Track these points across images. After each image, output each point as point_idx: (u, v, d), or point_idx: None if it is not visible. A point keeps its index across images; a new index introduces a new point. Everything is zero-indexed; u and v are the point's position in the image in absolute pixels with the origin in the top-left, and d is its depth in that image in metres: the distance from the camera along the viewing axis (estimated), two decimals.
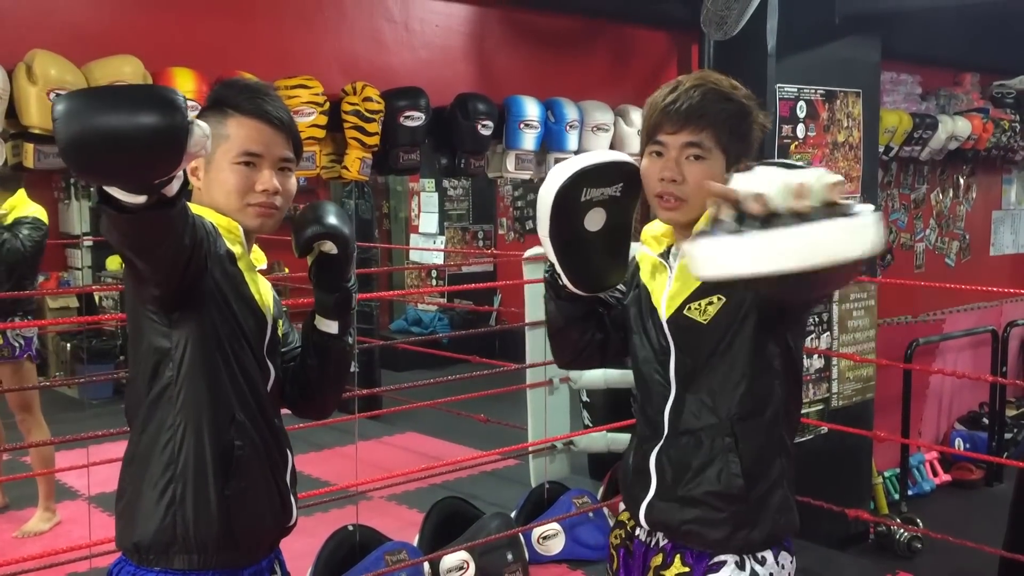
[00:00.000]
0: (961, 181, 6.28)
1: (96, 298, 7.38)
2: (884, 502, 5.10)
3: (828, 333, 4.62)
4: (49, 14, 2.85)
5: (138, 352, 1.60)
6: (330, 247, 1.73)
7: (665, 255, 1.72)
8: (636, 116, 4.02)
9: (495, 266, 8.64)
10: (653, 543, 1.72)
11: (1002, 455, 5.00)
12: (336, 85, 3.24)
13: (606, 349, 1.79)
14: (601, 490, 4.46)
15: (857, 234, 1.19)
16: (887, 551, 4.54)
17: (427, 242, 9.11)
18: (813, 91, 4.46)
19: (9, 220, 4.00)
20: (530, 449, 4.53)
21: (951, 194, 6.21)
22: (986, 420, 5.46)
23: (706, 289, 1.62)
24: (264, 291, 1.75)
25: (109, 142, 1.26)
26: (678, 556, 1.67)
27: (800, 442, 4.57)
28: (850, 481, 4.78)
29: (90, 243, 7.23)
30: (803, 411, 4.61)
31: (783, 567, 1.67)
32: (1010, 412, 5.67)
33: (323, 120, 3.14)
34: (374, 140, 3.25)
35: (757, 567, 1.63)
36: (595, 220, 1.64)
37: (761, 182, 1.21)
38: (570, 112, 3.78)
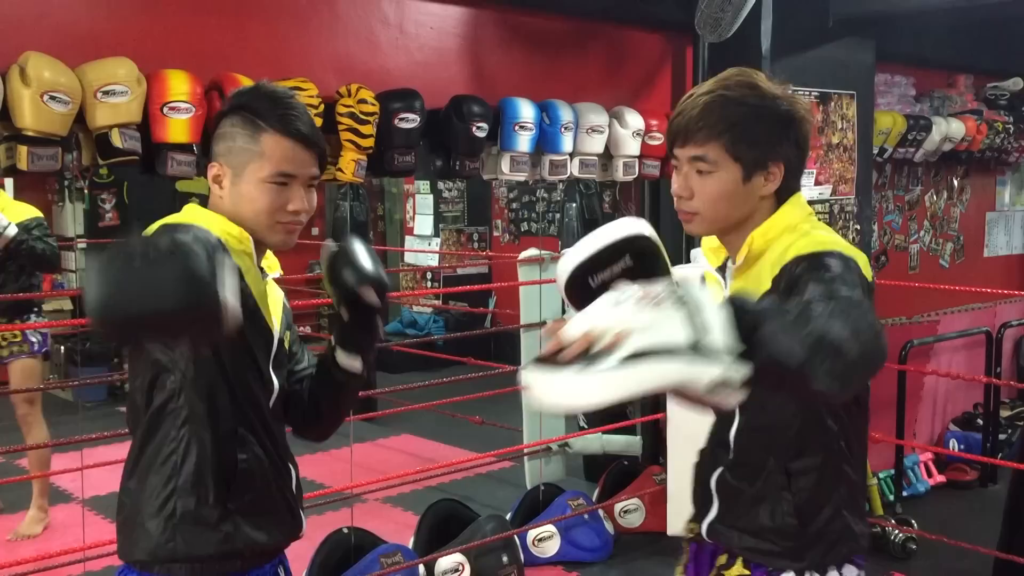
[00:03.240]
0: (955, 183, 6.29)
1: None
2: (879, 503, 5.10)
3: None
4: (43, 16, 2.85)
5: (137, 364, 1.58)
6: (373, 298, 1.63)
7: (721, 269, 1.69)
8: (631, 118, 4.02)
9: (490, 268, 8.64)
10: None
11: (996, 456, 5.00)
12: (330, 87, 3.24)
13: None
14: (596, 492, 4.46)
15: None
16: (882, 552, 4.53)
17: (422, 244, 9.10)
18: (808, 93, 4.46)
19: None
20: (525, 451, 4.53)
21: (945, 196, 6.22)
22: (980, 421, 5.47)
23: None
24: (273, 302, 1.72)
25: (146, 330, 1.29)
26: (740, 559, 1.67)
27: None
28: None
29: (84, 245, 7.21)
30: None
31: None
32: (1004, 413, 5.68)
33: (318, 122, 3.12)
34: (369, 142, 3.25)
35: None
36: None
37: (585, 324, 1.15)
38: (565, 114, 3.78)
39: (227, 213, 1.62)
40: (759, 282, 1.53)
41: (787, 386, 1.23)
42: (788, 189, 1.61)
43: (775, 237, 1.57)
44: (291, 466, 1.72)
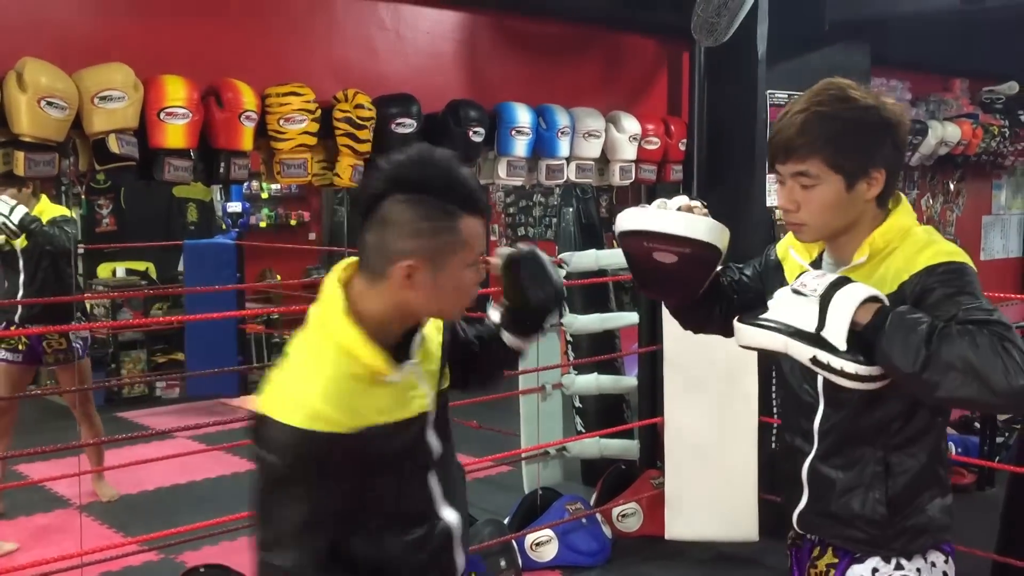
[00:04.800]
0: (951, 186, 6.30)
1: (88, 306, 7.36)
2: None
3: None
4: (39, 22, 2.85)
5: None
6: (556, 319, 1.71)
7: (817, 264, 1.76)
8: (627, 122, 4.03)
9: (487, 272, 8.63)
10: (810, 536, 1.82)
11: (994, 459, 5.01)
12: (327, 92, 3.24)
13: (730, 315, 1.80)
14: (594, 496, 4.46)
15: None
16: None
17: None
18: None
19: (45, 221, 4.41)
20: (523, 455, 4.53)
21: (942, 199, 6.24)
22: (978, 424, 5.47)
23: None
24: (421, 389, 1.56)
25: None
26: (830, 548, 1.77)
27: None
28: None
29: (82, 251, 7.21)
30: None
31: (934, 565, 1.70)
32: (1002, 416, 5.69)
33: (314, 127, 3.14)
34: (366, 147, 3.25)
35: (904, 561, 1.69)
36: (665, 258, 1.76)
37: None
38: (561, 118, 3.79)
39: (412, 306, 1.47)
40: (882, 283, 1.62)
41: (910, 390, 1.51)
42: (890, 191, 1.69)
43: (894, 238, 1.66)
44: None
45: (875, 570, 1.70)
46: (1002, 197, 6.77)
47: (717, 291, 1.88)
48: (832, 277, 1.53)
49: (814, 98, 1.66)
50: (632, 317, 4.67)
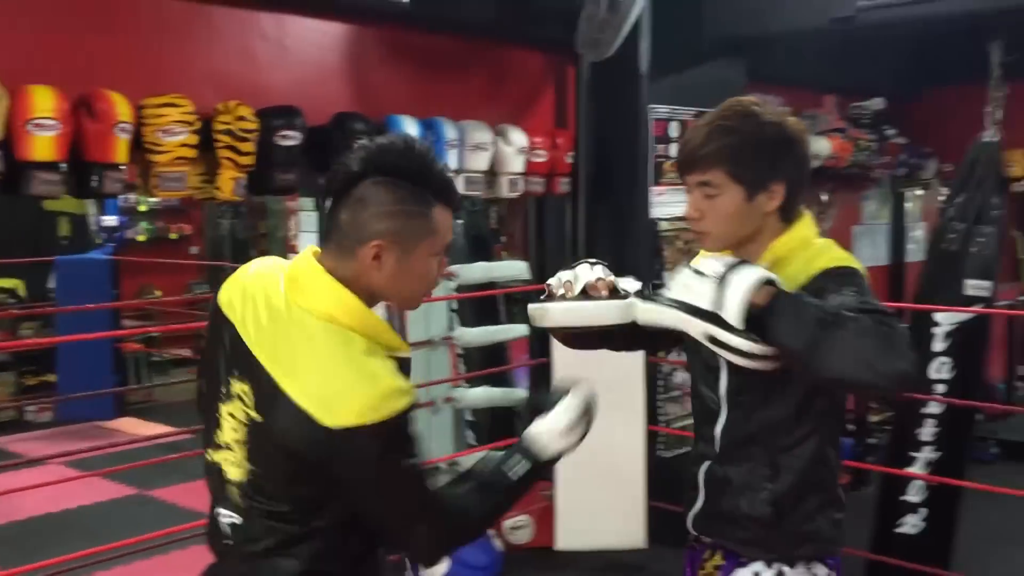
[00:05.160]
0: (823, 198, 6.56)
1: None
2: None
3: None
4: None
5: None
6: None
7: None
8: (515, 135, 4.05)
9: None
10: (704, 539, 1.87)
11: (866, 460, 5.22)
12: (207, 103, 3.15)
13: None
14: None
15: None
16: None
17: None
18: (685, 111, 4.59)
19: None
20: None
21: (815, 210, 6.48)
22: (851, 426, 5.70)
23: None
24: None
25: None
26: (720, 551, 1.82)
27: (678, 454, 4.67)
28: None
29: None
30: (680, 424, 4.73)
31: None
32: (873, 418, 5.94)
33: (194, 139, 3.06)
34: (248, 160, 3.18)
35: (786, 568, 1.73)
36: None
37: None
38: (449, 132, 3.79)
39: (375, 287, 1.50)
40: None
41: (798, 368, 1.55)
42: (791, 204, 1.76)
43: (795, 247, 1.74)
44: None
45: (756, 574, 1.75)
46: (871, 208, 7.08)
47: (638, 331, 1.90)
48: (731, 260, 1.57)
49: (719, 113, 1.75)
50: (522, 329, 4.68)
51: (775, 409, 1.71)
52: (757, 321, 1.51)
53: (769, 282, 1.53)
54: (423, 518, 1.49)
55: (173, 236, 9.15)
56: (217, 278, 6.95)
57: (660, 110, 4.46)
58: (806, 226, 1.79)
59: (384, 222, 1.46)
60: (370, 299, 1.51)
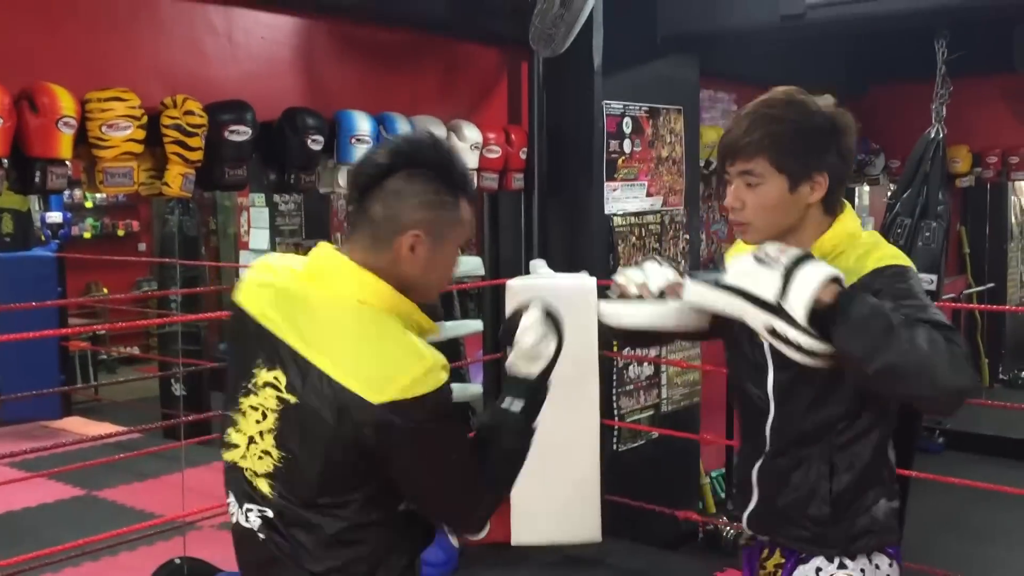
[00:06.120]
0: None
1: None
2: (711, 500, 5.32)
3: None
4: None
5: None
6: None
7: None
8: (468, 131, 4.04)
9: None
10: (761, 537, 1.86)
11: None
12: (154, 98, 3.09)
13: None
14: None
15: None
16: (715, 548, 4.72)
17: (258, 259, 8.82)
18: (638, 108, 4.61)
19: None
20: None
21: None
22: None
23: None
24: None
25: None
26: (778, 549, 1.81)
27: (632, 448, 4.71)
28: (681, 483, 4.96)
29: None
30: (634, 418, 4.76)
31: (878, 567, 1.73)
32: None
33: (141, 134, 2.99)
34: (197, 155, 3.13)
35: (848, 561, 1.72)
36: None
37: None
38: (402, 127, 3.76)
39: (406, 277, 1.52)
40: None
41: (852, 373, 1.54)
42: (834, 196, 1.72)
43: (841, 242, 1.70)
44: None
45: (819, 569, 1.73)
46: None
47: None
48: (796, 251, 1.54)
49: (764, 101, 1.74)
50: (476, 325, 4.68)
51: (830, 407, 1.69)
52: (819, 319, 1.48)
53: (835, 279, 1.50)
54: (469, 488, 1.54)
55: (120, 233, 9.00)
56: (165, 275, 6.85)
57: (614, 106, 4.48)
58: (850, 219, 1.75)
59: (421, 212, 1.50)
60: (400, 290, 1.53)
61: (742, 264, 1.55)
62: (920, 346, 1.44)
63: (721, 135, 1.76)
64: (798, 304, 1.47)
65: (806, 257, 1.52)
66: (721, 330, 1.86)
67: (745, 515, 1.84)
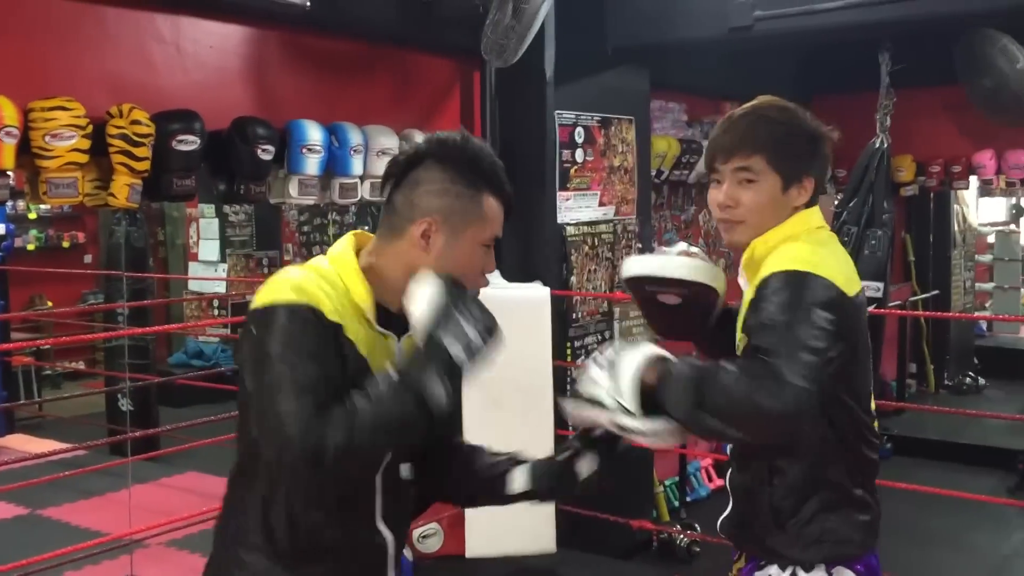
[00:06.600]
0: None
1: None
2: (665, 509, 5.34)
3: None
4: None
5: None
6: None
7: None
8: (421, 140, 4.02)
9: None
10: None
11: None
12: (100, 107, 3.04)
13: None
14: None
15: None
16: (669, 556, 4.75)
17: (208, 270, 8.71)
18: (590, 117, 4.64)
19: None
20: None
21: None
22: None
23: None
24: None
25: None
26: (744, 555, 1.86)
27: None
28: (635, 492, 4.98)
29: None
30: None
31: None
32: None
33: (86, 144, 2.94)
34: (144, 165, 3.07)
35: (801, 572, 1.71)
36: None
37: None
38: (354, 136, 3.74)
39: (418, 269, 1.50)
40: (752, 288, 1.67)
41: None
42: (812, 203, 1.75)
43: (775, 246, 1.70)
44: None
45: None
46: None
47: (727, 315, 1.89)
48: (623, 345, 1.60)
49: (758, 105, 1.76)
50: None
51: None
52: (654, 399, 1.53)
53: (660, 358, 1.55)
54: (287, 398, 1.37)
55: (65, 244, 8.82)
56: (112, 287, 6.72)
57: (566, 116, 4.50)
58: (799, 219, 1.74)
59: (435, 199, 1.50)
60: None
61: (587, 371, 1.62)
62: (725, 391, 1.48)
63: (715, 134, 1.78)
64: (627, 395, 1.54)
65: (628, 347, 1.58)
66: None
67: (719, 522, 1.89)
